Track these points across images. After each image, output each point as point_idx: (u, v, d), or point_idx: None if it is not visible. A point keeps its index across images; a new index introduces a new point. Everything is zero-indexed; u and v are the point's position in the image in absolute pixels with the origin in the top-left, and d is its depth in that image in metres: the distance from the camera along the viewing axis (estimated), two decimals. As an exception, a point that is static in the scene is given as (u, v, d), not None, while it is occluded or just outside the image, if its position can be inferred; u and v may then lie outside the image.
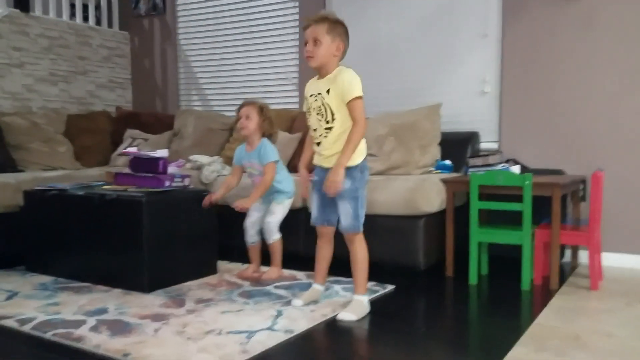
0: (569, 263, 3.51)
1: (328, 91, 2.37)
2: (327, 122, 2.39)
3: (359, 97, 2.34)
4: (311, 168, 2.60)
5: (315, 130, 2.45)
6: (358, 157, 2.43)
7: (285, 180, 3.14)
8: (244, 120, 3.07)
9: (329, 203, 2.52)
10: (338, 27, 2.39)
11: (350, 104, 2.34)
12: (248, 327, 2.29)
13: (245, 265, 3.30)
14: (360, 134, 2.35)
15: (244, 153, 3.14)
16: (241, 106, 3.14)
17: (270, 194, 3.13)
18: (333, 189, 2.36)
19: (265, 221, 3.11)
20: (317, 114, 2.41)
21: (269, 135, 3.13)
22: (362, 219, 2.47)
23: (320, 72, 2.43)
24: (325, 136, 2.40)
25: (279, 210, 3.12)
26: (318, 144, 2.46)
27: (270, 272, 3.13)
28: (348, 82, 2.33)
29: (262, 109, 3.10)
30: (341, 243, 2.55)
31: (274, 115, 3.17)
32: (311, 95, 2.46)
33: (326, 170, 2.44)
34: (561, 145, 3.64)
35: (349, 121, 2.37)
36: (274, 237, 3.11)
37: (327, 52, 2.35)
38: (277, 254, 3.14)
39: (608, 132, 3.51)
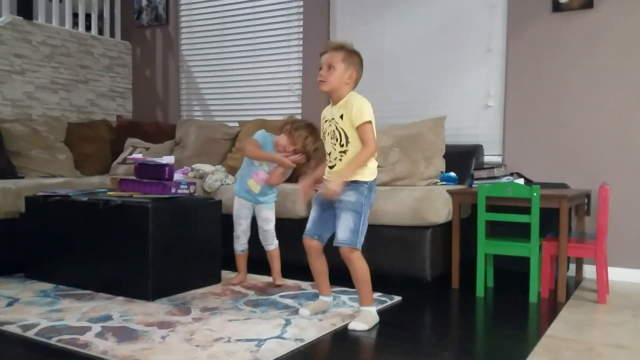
0: (574, 277, 3.50)
1: (341, 116, 2.42)
2: (342, 146, 2.43)
3: (368, 122, 2.39)
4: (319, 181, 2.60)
5: (329, 154, 2.49)
6: (369, 175, 2.46)
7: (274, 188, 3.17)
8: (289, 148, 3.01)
9: (326, 218, 2.53)
10: (354, 56, 2.46)
11: (359, 128, 2.39)
12: (257, 335, 2.25)
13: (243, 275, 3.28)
14: (368, 155, 2.39)
15: (270, 147, 3.07)
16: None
17: (258, 198, 3.10)
18: (330, 194, 2.38)
19: (265, 230, 3.12)
20: (332, 138, 2.46)
21: None
22: (361, 237, 2.44)
23: (333, 97, 2.48)
24: (340, 159, 2.44)
25: (273, 215, 3.14)
26: (331, 167, 2.49)
27: (280, 279, 3.14)
28: (357, 107, 2.39)
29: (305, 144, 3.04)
30: (338, 255, 2.51)
31: (276, 126, 3.19)
32: (326, 120, 2.51)
33: None
34: (565, 159, 3.65)
35: (361, 146, 2.42)
36: (275, 242, 3.14)
37: (339, 79, 2.42)
38: (278, 261, 3.15)
39: (612, 146, 3.53)
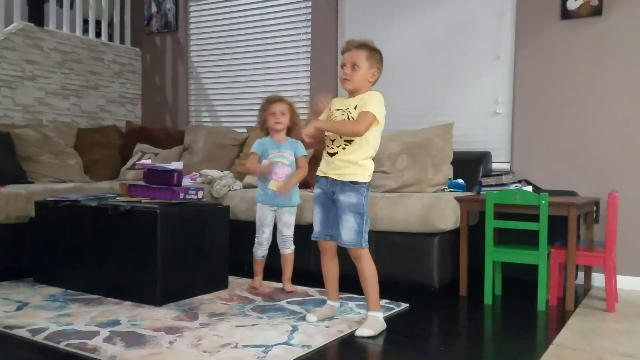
0: (582, 285, 3.48)
1: (355, 107, 2.44)
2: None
3: (373, 116, 2.39)
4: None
5: (333, 140, 2.48)
6: (367, 176, 2.48)
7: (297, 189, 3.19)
8: (280, 117, 3.07)
9: (332, 217, 2.53)
10: (376, 54, 2.49)
11: (362, 113, 2.39)
12: (264, 341, 2.26)
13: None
14: (353, 127, 2.37)
15: (271, 143, 3.12)
16: (272, 101, 3.11)
17: (281, 204, 3.12)
18: (308, 130, 2.38)
19: (286, 235, 3.15)
20: None
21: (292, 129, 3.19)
22: (365, 235, 2.47)
23: (351, 94, 2.50)
24: (344, 148, 2.44)
25: (294, 221, 3.17)
26: (332, 154, 2.48)
27: (291, 285, 3.16)
28: (373, 100, 2.42)
29: (292, 107, 3.16)
30: (349, 260, 2.52)
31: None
32: (338, 109, 2.51)
33: (331, 180, 2.47)
34: (573, 167, 3.64)
35: (368, 143, 2.43)
36: (292, 247, 3.17)
37: (363, 77, 2.45)
38: (291, 266, 3.17)
39: (621, 153, 3.51)
